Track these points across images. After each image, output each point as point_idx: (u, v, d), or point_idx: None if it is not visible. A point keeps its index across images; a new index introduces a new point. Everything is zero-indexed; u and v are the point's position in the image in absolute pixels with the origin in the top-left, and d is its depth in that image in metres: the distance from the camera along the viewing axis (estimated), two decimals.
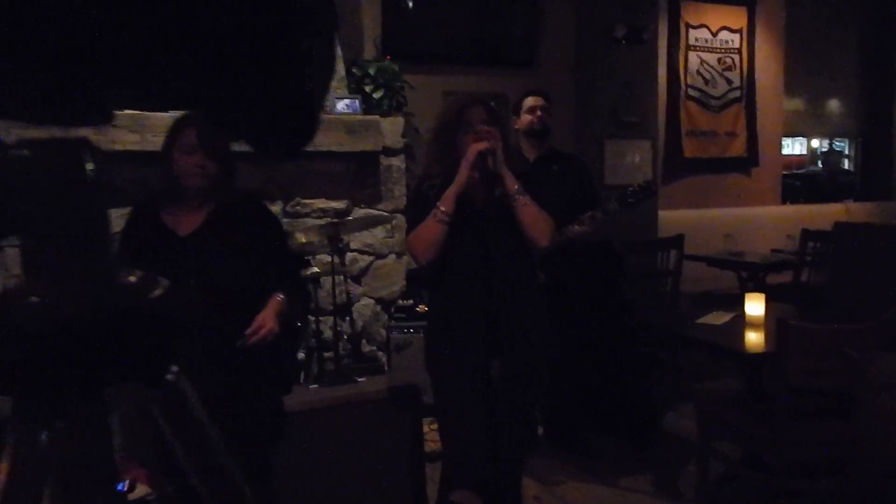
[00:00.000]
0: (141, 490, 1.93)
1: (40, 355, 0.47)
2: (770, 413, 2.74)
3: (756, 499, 3.12)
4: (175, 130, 2.38)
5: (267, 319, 2.45)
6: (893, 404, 1.99)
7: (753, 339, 3.12)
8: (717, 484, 3.29)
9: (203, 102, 0.46)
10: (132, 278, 0.53)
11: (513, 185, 2.46)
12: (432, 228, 2.42)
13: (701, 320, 3.43)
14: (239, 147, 3.91)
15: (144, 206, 2.46)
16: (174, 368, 0.54)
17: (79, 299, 0.48)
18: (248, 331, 2.43)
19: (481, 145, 2.39)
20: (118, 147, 3.72)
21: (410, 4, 5.47)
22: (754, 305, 3.23)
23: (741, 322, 3.28)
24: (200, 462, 0.56)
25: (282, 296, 2.53)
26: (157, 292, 0.52)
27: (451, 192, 2.42)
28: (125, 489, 1.90)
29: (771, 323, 2.95)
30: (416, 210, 2.52)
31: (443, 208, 2.41)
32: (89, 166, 0.50)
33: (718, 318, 3.43)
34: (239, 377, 2.39)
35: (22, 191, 0.47)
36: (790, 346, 2.51)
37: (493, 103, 2.54)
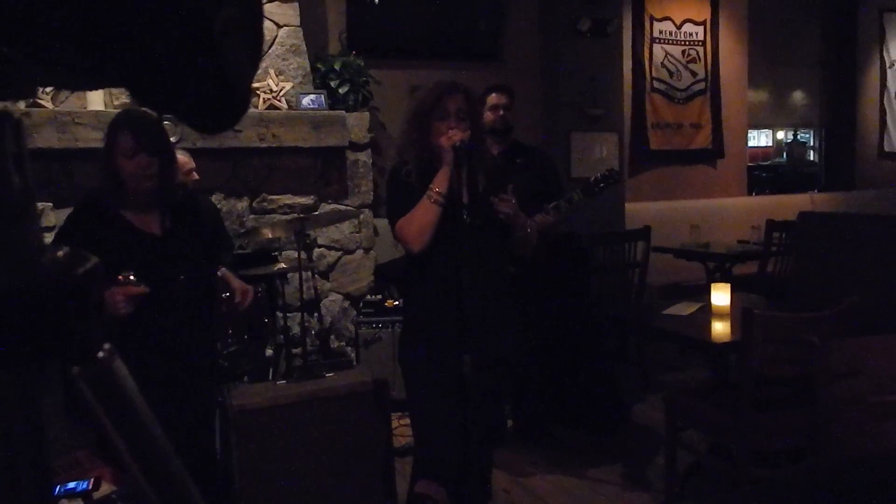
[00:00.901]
0: (106, 488, 1.90)
1: None
2: (736, 402, 2.76)
3: (723, 487, 3.15)
4: (111, 135, 2.31)
5: (244, 285, 2.56)
6: (854, 391, 2.02)
7: (720, 328, 3.14)
8: (684, 474, 3.31)
9: (123, 77, 0.45)
10: (60, 253, 0.52)
11: (525, 228, 2.54)
12: (428, 210, 2.37)
13: (668, 311, 3.44)
14: (205, 144, 3.87)
15: (95, 204, 2.39)
16: (107, 346, 0.53)
17: (4, 272, 0.48)
18: (237, 299, 2.53)
19: (452, 139, 2.35)
20: (81, 144, 3.68)
21: (376, 1, 5.45)
22: (720, 295, 3.26)
23: (708, 312, 3.30)
24: (139, 450, 0.55)
25: (227, 270, 2.62)
26: (86, 268, 0.51)
27: (443, 174, 2.38)
28: (90, 487, 1.87)
29: (737, 312, 2.98)
30: (401, 197, 2.47)
31: (437, 189, 2.37)
32: (11, 139, 0.49)
33: (685, 308, 3.45)
34: (192, 369, 2.41)
35: None
36: (755, 335, 2.53)
37: (471, 94, 2.52)
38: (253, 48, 0.50)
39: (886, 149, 8.31)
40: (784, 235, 5.28)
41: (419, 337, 2.55)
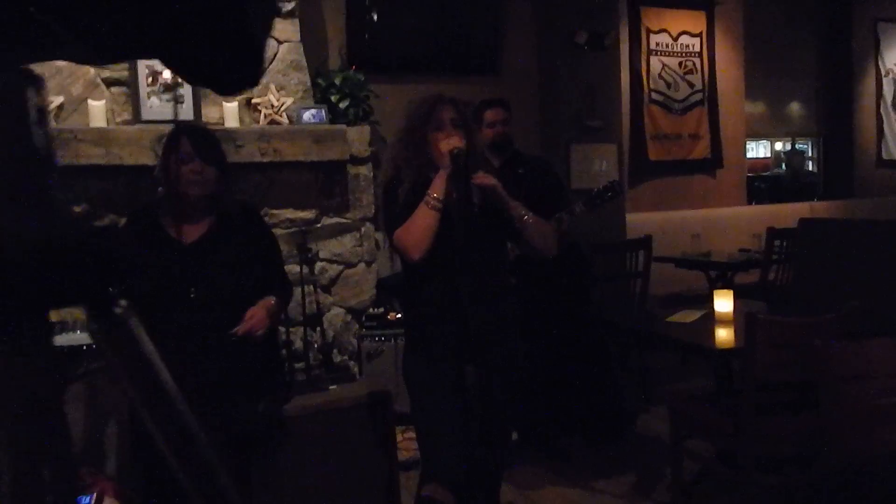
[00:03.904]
0: (108, 503, 1.90)
1: None
2: (740, 408, 2.76)
3: (730, 495, 3.14)
4: (170, 140, 2.41)
5: (257, 311, 2.46)
6: (858, 394, 2.02)
7: (723, 335, 3.14)
8: (690, 482, 3.30)
9: (152, 43, 0.49)
10: (77, 209, 0.56)
11: (519, 210, 2.47)
12: (426, 217, 2.35)
13: (671, 318, 3.44)
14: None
15: (142, 212, 2.48)
16: (124, 303, 0.56)
17: (26, 225, 0.51)
18: (242, 323, 2.44)
19: (450, 145, 2.35)
20: (83, 161, 3.68)
21: (375, 17, 5.48)
22: (723, 302, 3.26)
23: (711, 319, 3.31)
24: (152, 402, 0.58)
25: (273, 298, 2.53)
26: (102, 223, 0.56)
27: (440, 179, 2.37)
28: (92, 502, 1.86)
29: (740, 319, 2.98)
30: (398, 208, 2.45)
31: (435, 195, 2.35)
32: (32, 95, 0.53)
33: (688, 316, 3.45)
34: (235, 384, 2.39)
35: None
36: (758, 340, 2.53)
37: (460, 104, 2.52)
38: (269, 8, 0.54)
39: (884, 157, 8.34)
40: (785, 243, 5.29)
41: (421, 349, 2.54)
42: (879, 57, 8.31)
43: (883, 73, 8.34)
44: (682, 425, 3.13)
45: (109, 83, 4.03)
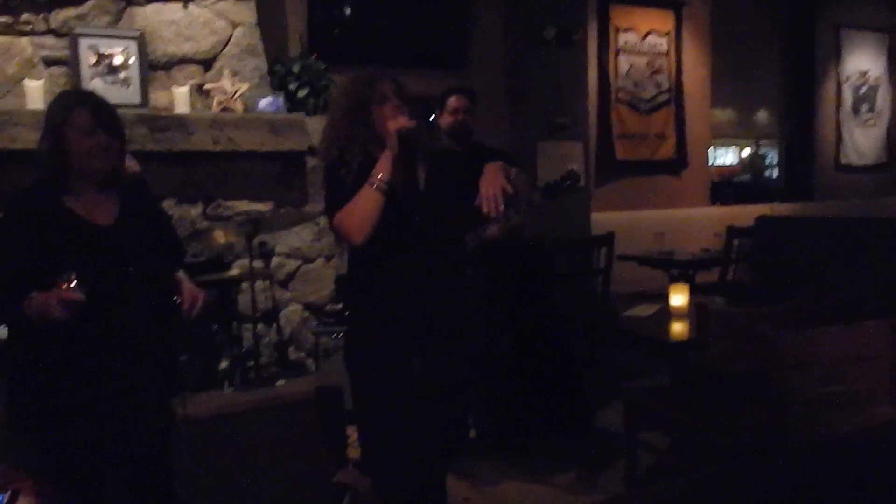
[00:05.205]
0: (24, 502, 1.78)
1: None
2: (696, 400, 2.74)
3: (683, 487, 3.11)
4: (65, 111, 2.16)
5: (191, 287, 2.34)
6: (808, 381, 1.99)
7: (678, 327, 3.16)
8: (646, 475, 3.28)
9: None
10: None
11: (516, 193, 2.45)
12: (370, 198, 2.23)
13: (627, 313, 3.45)
14: (154, 147, 3.76)
15: (33, 196, 2.20)
16: None
17: None
18: (186, 305, 2.30)
19: (398, 124, 2.27)
20: (19, 146, 3.52)
21: (338, 3, 5.40)
22: (678, 296, 3.27)
23: (667, 313, 3.31)
24: None
25: (182, 272, 2.41)
26: None
27: (385, 159, 2.26)
28: (6, 501, 1.75)
29: (695, 312, 2.97)
30: (341, 191, 2.31)
31: (380, 175, 2.23)
32: None
33: (645, 310, 3.46)
34: (148, 371, 2.26)
35: None
36: (710, 330, 2.52)
37: (399, 82, 2.44)
38: None
39: (843, 161, 8.53)
40: (744, 241, 5.32)
41: (367, 339, 2.44)
42: (840, 63, 8.44)
43: (843, 79, 8.47)
44: (637, 419, 3.11)
45: (49, 62, 3.84)
